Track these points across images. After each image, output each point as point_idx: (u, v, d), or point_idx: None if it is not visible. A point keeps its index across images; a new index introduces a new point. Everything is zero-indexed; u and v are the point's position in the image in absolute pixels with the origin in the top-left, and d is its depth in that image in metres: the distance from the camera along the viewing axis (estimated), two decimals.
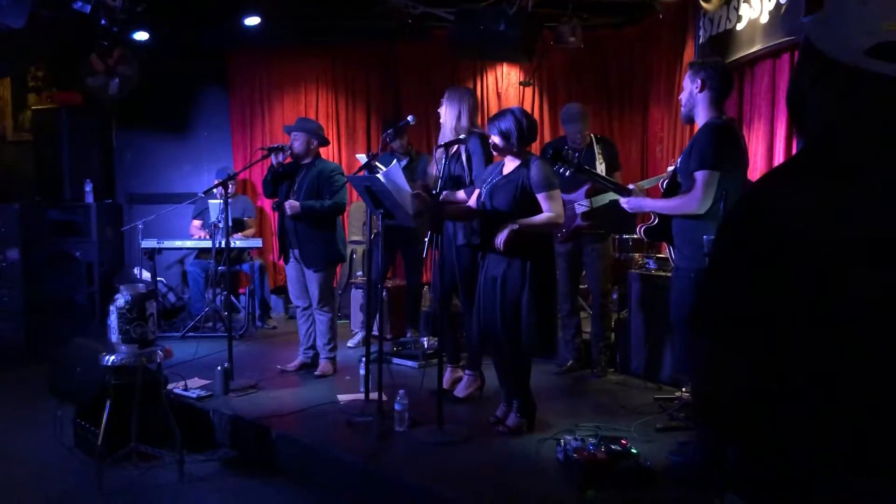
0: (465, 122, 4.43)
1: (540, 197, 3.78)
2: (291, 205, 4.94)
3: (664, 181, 3.74)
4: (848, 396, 1.12)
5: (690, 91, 3.39)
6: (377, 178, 3.94)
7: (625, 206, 3.72)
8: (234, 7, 6.55)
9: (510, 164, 3.92)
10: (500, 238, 3.71)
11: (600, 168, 4.97)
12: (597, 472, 3.20)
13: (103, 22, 5.77)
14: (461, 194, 4.31)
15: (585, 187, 4.85)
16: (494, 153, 4.04)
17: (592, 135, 5.17)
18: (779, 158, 4.71)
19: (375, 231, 4.53)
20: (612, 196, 4.53)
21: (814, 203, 1.13)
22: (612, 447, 3.34)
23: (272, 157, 5.07)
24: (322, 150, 5.29)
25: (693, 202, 3.27)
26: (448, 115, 4.48)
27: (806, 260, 1.11)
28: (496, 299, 3.83)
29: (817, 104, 1.22)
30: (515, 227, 3.70)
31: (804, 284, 1.11)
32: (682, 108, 3.46)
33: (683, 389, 4.24)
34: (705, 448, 3.27)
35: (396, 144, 5.92)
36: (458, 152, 4.47)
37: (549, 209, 3.77)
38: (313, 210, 4.94)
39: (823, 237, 1.11)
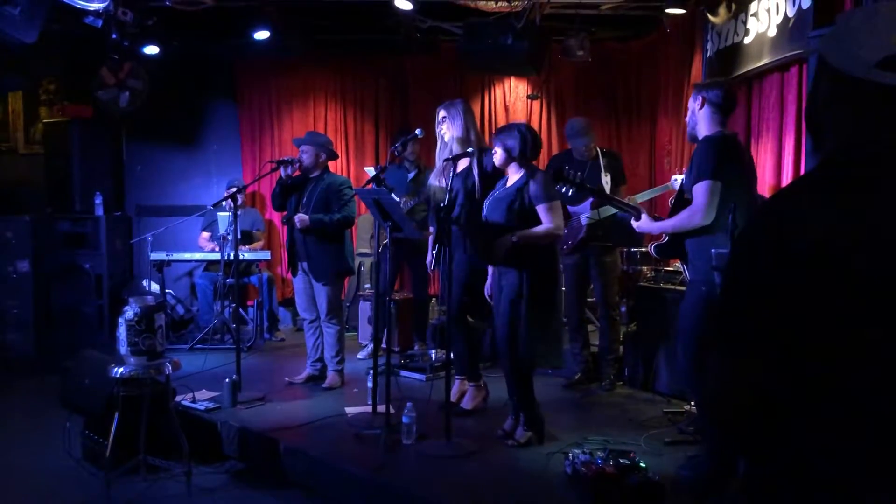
0: (472, 135, 4.48)
1: (540, 209, 3.82)
2: (301, 218, 4.97)
3: (671, 198, 3.76)
4: (863, 410, 1.11)
5: (693, 110, 3.46)
6: (385, 190, 3.96)
7: (636, 228, 3.74)
8: (244, 20, 6.60)
9: (513, 177, 3.97)
10: (499, 250, 3.76)
11: (605, 180, 4.97)
12: (605, 486, 3.18)
13: (114, 36, 5.82)
14: None
15: (592, 198, 4.85)
16: (497, 166, 4.05)
17: (598, 148, 5.17)
18: (787, 171, 4.70)
19: (384, 243, 4.54)
20: None
21: (829, 218, 1.13)
22: (621, 461, 3.33)
23: (281, 169, 5.10)
24: (330, 163, 5.31)
25: (696, 214, 3.30)
26: (454, 129, 4.50)
27: (822, 274, 1.11)
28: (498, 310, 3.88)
29: (833, 119, 1.22)
30: (514, 238, 3.74)
31: (820, 298, 1.11)
32: (688, 128, 3.52)
33: (692, 403, 4.22)
34: (714, 461, 3.25)
35: (408, 152, 6.05)
36: (469, 166, 4.48)
37: (548, 221, 3.81)
38: (322, 223, 4.96)
39: (839, 252, 1.11)
